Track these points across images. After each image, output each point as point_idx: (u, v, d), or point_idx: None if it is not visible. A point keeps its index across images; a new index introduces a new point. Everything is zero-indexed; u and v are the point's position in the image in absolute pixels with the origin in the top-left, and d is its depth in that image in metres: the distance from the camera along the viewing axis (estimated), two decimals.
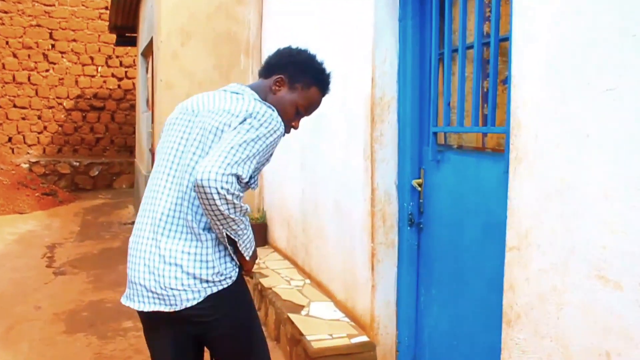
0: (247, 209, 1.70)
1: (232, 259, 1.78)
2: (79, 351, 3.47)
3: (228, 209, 1.61)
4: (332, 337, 3.01)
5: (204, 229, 1.72)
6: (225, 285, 1.75)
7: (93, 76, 11.38)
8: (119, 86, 11.52)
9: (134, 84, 11.10)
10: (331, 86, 1.99)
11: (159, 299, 1.73)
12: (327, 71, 1.96)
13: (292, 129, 1.97)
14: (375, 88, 2.77)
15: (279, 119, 1.75)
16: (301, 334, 3.02)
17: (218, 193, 1.56)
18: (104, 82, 11.45)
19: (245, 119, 1.69)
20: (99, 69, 11.42)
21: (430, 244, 2.76)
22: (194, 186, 1.58)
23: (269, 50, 4.85)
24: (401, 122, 2.80)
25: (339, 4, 3.31)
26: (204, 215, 1.71)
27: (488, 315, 2.27)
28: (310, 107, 1.95)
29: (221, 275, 1.74)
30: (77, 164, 10.72)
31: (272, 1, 4.94)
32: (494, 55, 2.13)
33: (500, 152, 2.24)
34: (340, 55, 3.18)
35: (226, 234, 1.69)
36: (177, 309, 1.71)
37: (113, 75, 11.47)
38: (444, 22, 2.50)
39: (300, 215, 4.12)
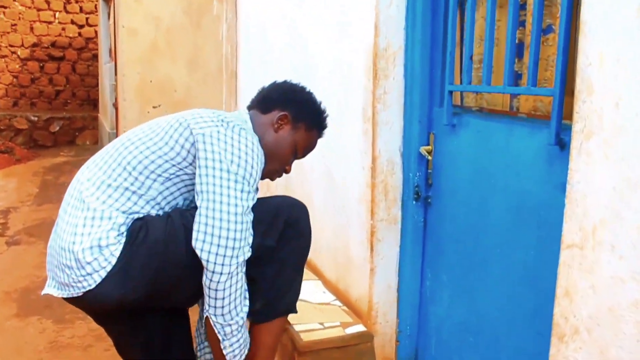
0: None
1: None
2: (31, 339, 3.04)
3: None
4: (324, 327, 2.62)
5: None
6: None
7: (50, 22, 10.50)
8: (79, 34, 10.68)
9: (96, 32, 10.32)
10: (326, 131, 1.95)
11: None
12: (325, 113, 1.90)
13: (284, 173, 1.78)
14: (379, 37, 2.29)
15: None
16: (288, 323, 2.63)
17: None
18: (63, 29, 10.58)
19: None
20: (57, 14, 10.54)
21: (440, 222, 2.36)
22: None
23: None
24: (409, 78, 2.35)
25: None
26: None
27: (518, 315, 1.90)
28: (307, 149, 1.82)
29: None
30: (36, 118, 9.97)
31: None
32: None
33: (541, 119, 1.82)
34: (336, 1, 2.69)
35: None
36: None
37: (73, 22, 10.61)
38: None
39: (282, 179, 3.67)
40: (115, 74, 5.74)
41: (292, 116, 1.73)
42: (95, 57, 10.43)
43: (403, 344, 2.57)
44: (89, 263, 1.37)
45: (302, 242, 1.57)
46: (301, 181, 3.29)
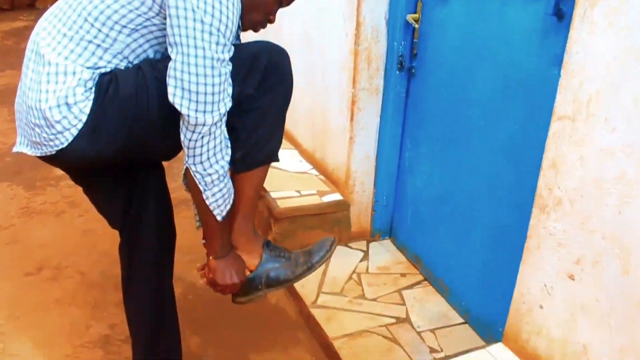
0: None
1: None
2: (1, 205, 3.00)
3: None
4: (300, 195, 2.65)
5: None
6: None
7: None
8: None
9: None
10: None
11: None
12: None
13: (267, 24, 1.53)
14: None
15: None
16: (264, 190, 2.64)
17: None
18: None
19: None
20: None
21: (423, 93, 2.31)
22: None
23: None
24: None
25: None
26: None
27: (497, 187, 1.92)
28: (269, 10, 1.51)
29: None
30: None
31: None
32: None
33: None
34: None
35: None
36: None
37: None
38: None
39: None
40: None
41: None
42: None
43: (379, 213, 2.62)
44: (58, 122, 1.30)
45: (283, 88, 1.48)
46: (278, 42, 3.16)
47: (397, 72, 2.37)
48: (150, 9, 1.31)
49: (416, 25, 2.25)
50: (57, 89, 1.31)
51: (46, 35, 1.37)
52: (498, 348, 1.76)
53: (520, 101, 1.79)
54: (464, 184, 2.10)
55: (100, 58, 1.34)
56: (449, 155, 2.17)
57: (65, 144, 1.33)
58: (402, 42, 2.32)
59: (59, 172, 3.39)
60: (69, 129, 1.32)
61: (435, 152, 2.26)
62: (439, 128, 2.21)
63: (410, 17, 2.26)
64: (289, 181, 2.78)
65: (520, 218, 1.75)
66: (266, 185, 2.65)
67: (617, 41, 1.25)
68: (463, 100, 2.05)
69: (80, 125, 1.32)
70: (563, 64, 1.39)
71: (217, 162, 1.35)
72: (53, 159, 1.41)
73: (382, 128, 2.48)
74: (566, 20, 1.61)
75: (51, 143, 1.34)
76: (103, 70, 1.35)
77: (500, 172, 1.89)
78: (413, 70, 2.34)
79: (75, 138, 1.33)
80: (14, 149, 1.45)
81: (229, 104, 1.32)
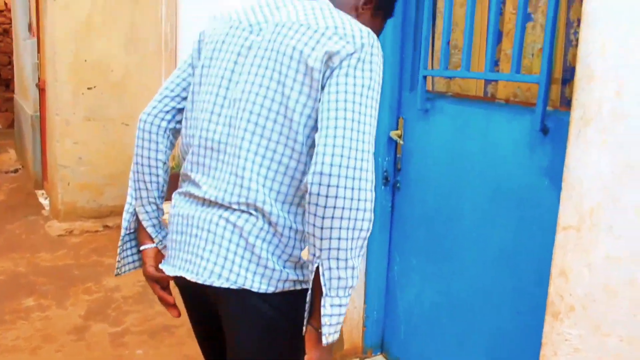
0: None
1: None
2: None
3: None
4: None
5: None
6: None
7: None
8: None
9: (5, 3, 9.65)
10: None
11: None
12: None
13: None
14: None
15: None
16: None
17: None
18: None
19: (354, 52, 1.14)
20: None
21: (409, 207, 2.39)
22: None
23: None
24: None
25: None
26: None
27: (495, 296, 1.96)
28: (393, 10, 1.48)
29: None
30: None
31: None
32: None
33: (522, 105, 1.87)
34: None
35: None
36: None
37: None
38: None
39: None
40: (39, 52, 5.40)
41: (377, 1, 1.39)
42: (5, 32, 9.76)
43: (370, 329, 2.60)
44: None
45: None
46: None
47: (383, 187, 2.45)
48: None
49: (400, 141, 2.37)
50: None
51: None
52: None
53: (512, 211, 1.87)
54: (459, 293, 2.13)
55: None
56: (440, 266, 2.21)
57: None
58: (387, 158, 2.43)
59: (29, 302, 3.27)
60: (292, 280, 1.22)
61: (425, 265, 2.30)
62: (428, 240, 2.27)
63: (393, 134, 2.38)
64: None
65: (521, 324, 1.78)
66: None
67: (612, 157, 1.36)
68: (452, 213, 2.13)
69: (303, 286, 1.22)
70: (563, 178, 1.48)
71: (358, 255, 1.16)
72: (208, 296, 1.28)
73: (370, 243, 2.52)
74: (551, 135, 1.74)
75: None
76: None
77: (496, 280, 1.94)
78: (398, 185, 2.43)
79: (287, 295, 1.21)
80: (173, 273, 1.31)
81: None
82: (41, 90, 5.38)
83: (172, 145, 1.46)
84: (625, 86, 1.32)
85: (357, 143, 1.10)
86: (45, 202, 5.29)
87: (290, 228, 1.20)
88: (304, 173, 1.19)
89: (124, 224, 1.48)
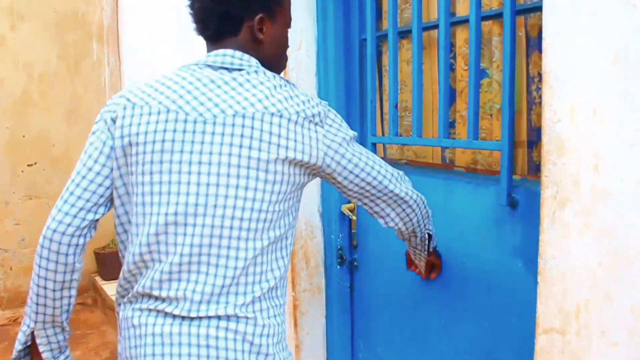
0: None
1: None
2: None
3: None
4: None
5: None
6: None
7: None
8: None
9: None
10: None
11: None
12: None
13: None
14: None
15: None
16: None
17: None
18: None
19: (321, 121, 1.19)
20: None
21: (370, 287, 2.10)
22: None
23: (129, 35, 3.91)
24: None
25: None
26: None
27: None
28: (290, 20, 1.33)
29: None
30: None
31: None
32: (475, 35, 1.49)
33: (483, 174, 1.62)
34: None
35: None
36: None
37: None
38: None
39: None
40: None
41: (264, 10, 1.24)
42: None
43: None
44: None
45: None
46: None
47: (338, 266, 2.16)
48: None
49: (353, 217, 2.09)
50: None
51: None
52: None
53: (484, 297, 1.60)
54: None
55: None
56: (408, 355, 1.91)
57: None
58: (340, 235, 2.15)
59: None
60: None
61: (393, 354, 2.00)
62: (394, 326, 1.97)
63: (345, 208, 2.10)
64: None
65: None
66: None
67: (598, 245, 1.10)
68: (417, 294, 1.84)
69: None
70: (539, 270, 1.21)
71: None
72: None
73: (329, 330, 2.22)
74: (520, 209, 1.48)
75: None
76: None
77: None
78: (355, 263, 2.15)
79: None
80: None
81: None
82: None
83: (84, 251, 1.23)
84: (604, 158, 1.07)
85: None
86: None
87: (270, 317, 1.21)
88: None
89: (17, 346, 1.25)
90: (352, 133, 1.25)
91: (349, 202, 2.12)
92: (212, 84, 1.17)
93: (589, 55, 1.07)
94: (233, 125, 1.12)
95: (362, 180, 1.26)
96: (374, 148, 1.91)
